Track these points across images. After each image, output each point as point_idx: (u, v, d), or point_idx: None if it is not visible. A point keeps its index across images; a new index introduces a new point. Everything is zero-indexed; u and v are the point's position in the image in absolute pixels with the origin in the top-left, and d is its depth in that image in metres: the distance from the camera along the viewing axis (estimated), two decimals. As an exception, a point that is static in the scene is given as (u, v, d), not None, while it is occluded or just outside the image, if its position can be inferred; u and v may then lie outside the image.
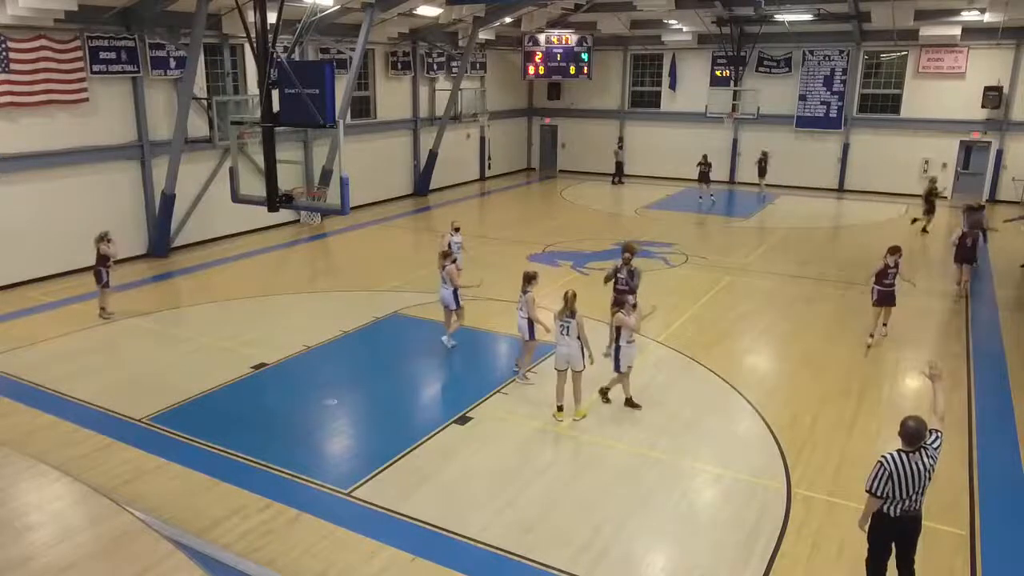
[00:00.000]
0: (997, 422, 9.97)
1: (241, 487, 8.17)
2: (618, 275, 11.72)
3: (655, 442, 9.27)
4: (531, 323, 10.72)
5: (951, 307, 14.71)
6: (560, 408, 9.89)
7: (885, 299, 12.63)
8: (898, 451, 6.05)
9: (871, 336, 12.67)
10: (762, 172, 26.74)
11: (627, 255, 11.86)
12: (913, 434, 5.97)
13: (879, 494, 6.04)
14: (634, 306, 10.25)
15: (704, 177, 25.90)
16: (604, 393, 10.34)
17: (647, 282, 11.84)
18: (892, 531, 6.21)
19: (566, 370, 9.80)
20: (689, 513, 7.96)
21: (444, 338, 12.20)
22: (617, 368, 10.03)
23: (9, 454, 8.15)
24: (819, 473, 8.57)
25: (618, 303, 10.70)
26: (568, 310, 9.63)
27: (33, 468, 7.72)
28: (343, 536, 7.37)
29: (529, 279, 10.83)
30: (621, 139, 30.49)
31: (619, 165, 29.97)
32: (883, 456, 6.06)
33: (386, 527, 7.54)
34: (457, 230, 14.93)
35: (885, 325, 12.85)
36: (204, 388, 10.70)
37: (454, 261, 12.33)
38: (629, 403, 10.17)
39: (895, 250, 12.55)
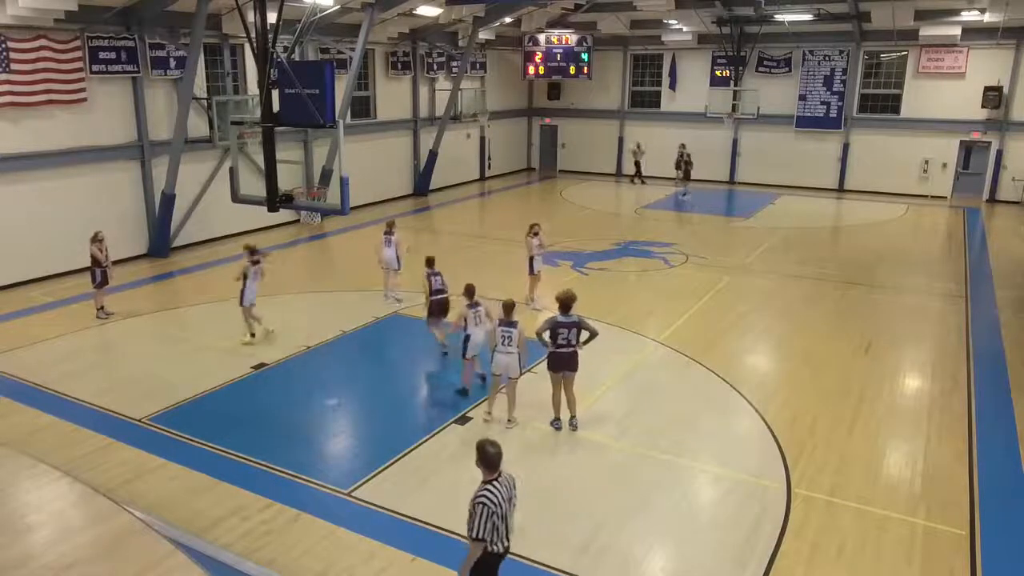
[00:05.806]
0: (997, 422, 9.96)
1: (241, 487, 8.17)
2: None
3: (655, 442, 9.27)
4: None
5: (951, 307, 14.71)
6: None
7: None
8: (489, 483, 5.54)
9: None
10: (679, 166, 27.45)
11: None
12: (498, 458, 5.55)
13: (487, 537, 5.48)
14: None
15: (687, 173, 27.07)
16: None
17: (648, 283, 11.80)
18: (498, 568, 5.78)
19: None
20: (689, 513, 7.95)
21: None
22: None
23: (9, 454, 8.15)
24: (819, 473, 8.57)
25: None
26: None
27: (33, 468, 7.71)
28: (343, 536, 7.37)
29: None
30: (639, 143, 30.26)
31: (638, 165, 30.01)
32: (483, 497, 5.45)
33: (386, 527, 7.54)
34: (391, 228, 14.76)
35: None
36: (204, 388, 10.70)
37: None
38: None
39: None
